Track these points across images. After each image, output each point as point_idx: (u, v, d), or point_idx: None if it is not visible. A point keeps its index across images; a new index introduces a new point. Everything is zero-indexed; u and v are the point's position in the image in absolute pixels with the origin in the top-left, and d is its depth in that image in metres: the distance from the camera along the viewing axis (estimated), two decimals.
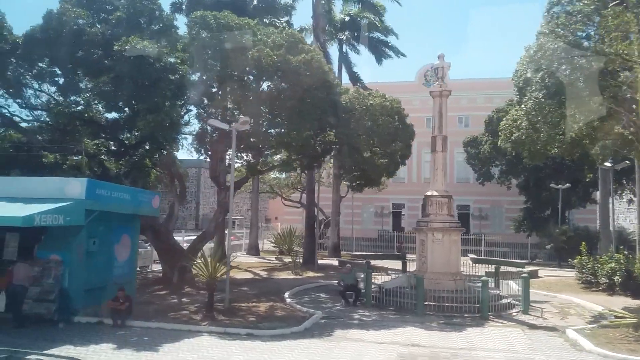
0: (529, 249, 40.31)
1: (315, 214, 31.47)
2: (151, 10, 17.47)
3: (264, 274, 25.88)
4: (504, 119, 20.33)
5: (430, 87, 19.49)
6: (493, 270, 22.32)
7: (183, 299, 17.55)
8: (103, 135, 19.24)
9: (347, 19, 36.20)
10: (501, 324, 15.15)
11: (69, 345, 11.38)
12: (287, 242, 32.88)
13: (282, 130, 17.98)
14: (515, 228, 42.54)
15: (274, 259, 32.75)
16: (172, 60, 17.42)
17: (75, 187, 13.66)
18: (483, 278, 17.22)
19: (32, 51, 16.55)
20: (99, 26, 17.13)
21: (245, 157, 21.54)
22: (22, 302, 12.92)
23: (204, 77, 17.85)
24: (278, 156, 22.50)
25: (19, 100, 18.11)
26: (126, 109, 17.67)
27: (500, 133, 20.07)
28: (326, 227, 39.67)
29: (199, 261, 15.50)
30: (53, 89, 18.11)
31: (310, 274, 26.25)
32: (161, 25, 17.91)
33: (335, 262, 31.24)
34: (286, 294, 19.08)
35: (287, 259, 30.15)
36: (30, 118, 19.87)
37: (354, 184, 23.03)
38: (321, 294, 19.91)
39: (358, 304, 17.33)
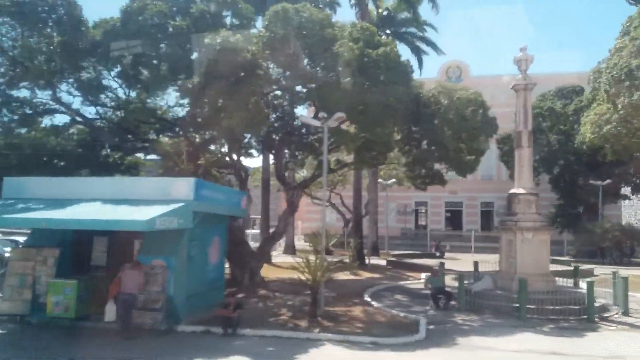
0: (564, 246, 39.87)
1: (362, 213, 30.82)
2: (233, 2, 16.63)
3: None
4: (592, 113, 19.77)
5: (515, 80, 18.77)
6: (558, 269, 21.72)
7: (268, 303, 16.83)
8: (180, 133, 18.37)
9: (384, 13, 35.49)
10: (614, 327, 14.56)
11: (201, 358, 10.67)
12: (319, 242, 31.97)
13: (365, 127, 17.21)
14: (548, 224, 42.08)
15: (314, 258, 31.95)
16: (253, 55, 16.61)
17: (183, 187, 12.88)
18: (587, 280, 16.64)
19: (111, 48, 15.67)
20: (178, 19, 16.28)
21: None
22: (132, 312, 12.15)
23: (287, 73, 17.06)
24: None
25: (90, 98, 17.17)
26: (205, 107, 16.82)
27: (585, 127, 19.47)
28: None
29: (299, 262, 14.79)
30: (135, 86, 17.17)
31: (367, 274, 25.59)
32: (241, 19, 17.06)
33: (382, 262, 30.60)
34: (366, 297, 18.45)
35: (330, 259, 29.38)
36: (93, 115, 19.01)
37: (418, 181, 22.38)
38: (397, 296, 19.28)
39: (449, 308, 16.69)
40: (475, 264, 23.41)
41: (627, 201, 45.69)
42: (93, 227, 11.75)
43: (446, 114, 17.35)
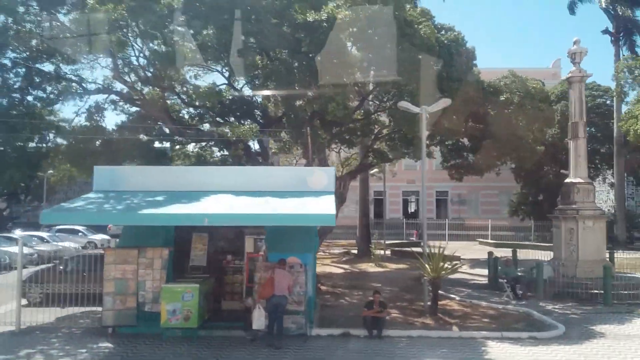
0: (532, 232, 42.00)
1: (368, 204, 30.30)
2: None
3: (346, 267, 24.37)
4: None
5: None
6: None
7: (348, 300, 15.91)
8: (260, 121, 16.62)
9: None
10: None
11: None
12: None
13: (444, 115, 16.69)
14: (511, 212, 44.28)
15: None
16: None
17: (322, 178, 11.62)
18: None
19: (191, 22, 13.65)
20: None
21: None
22: (283, 317, 10.75)
23: (370, 55, 16.03)
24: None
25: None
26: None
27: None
28: None
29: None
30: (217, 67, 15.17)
31: (391, 265, 25.18)
32: None
33: (385, 252, 30.28)
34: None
35: (337, 251, 28.87)
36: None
37: (453, 171, 22.27)
38: (457, 287, 19.03)
39: (528, 297, 16.70)
40: (490, 253, 23.89)
41: None
42: (269, 222, 10.23)
43: (522, 105, 17.28)
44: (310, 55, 14.37)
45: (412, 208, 56.23)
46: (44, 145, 15.46)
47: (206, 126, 17.46)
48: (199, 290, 11.19)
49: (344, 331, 11.76)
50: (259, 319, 10.51)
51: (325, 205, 10.08)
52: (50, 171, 18.38)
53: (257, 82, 15.36)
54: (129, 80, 15.15)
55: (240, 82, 18.04)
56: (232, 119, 18.20)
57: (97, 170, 12.16)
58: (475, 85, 16.92)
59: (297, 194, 11.15)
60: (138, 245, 11.68)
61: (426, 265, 13.53)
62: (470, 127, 17.95)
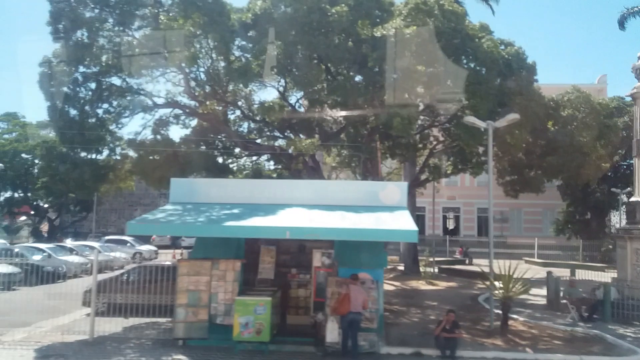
0: (580, 252, 40.73)
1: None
2: None
3: (397, 283, 24.04)
4: None
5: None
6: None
7: (408, 318, 15.64)
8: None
9: None
10: None
11: None
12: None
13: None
14: (557, 230, 43.12)
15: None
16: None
17: (394, 193, 11.51)
18: None
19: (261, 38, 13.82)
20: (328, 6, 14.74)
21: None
22: (357, 334, 10.61)
23: (432, 70, 15.92)
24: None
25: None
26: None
27: None
28: None
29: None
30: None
31: (441, 283, 24.73)
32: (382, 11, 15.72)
33: (435, 270, 29.77)
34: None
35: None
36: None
37: (509, 188, 21.84)
38: (518, 308, 18.47)
39: (593, 319, 16.10)
40: (549, 273, 23.12)
41: None
42: (352, 237, 10.19)
43: (586, 120, 16.90)
44: (376, 70, 14.37)
45: (451, 225, 55.38)
46: (112, 157, 15.85)
47: (263, 140, 17.62)
48: (270, 303, 11.18)
49: (415, 350, 11.52)
50: (332, 332, 10.41)
51: (404, 221, 9.96)
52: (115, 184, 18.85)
53: (319, 97, 15.42)
54: (195, 93, 15.42)
55: (297, 95, 18.15)
56: (288, 133, 18.32)
57: (174, 182, 12.35)
58: (537, 100, 16.58)
59: (371, 208, 11.07)
60: (211, 257, 11.77)
61: (496, 285, 13.20)
62: (531, 143, 17.58)
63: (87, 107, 14.81)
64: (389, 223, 10.06)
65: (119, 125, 15.61)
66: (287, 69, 14.58)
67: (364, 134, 16.17)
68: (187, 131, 17.04)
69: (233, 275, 11.63)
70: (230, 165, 18.65)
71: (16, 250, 22.63)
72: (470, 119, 14.56)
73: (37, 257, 22.73)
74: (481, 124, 14.55)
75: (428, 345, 11.60)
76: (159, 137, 15.90)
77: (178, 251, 40.20)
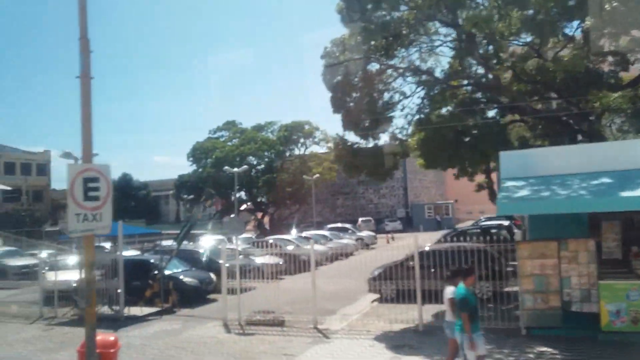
0: None
1: None
2: None
3: None
4: None
5: None
6: None
7: None
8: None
9: None
10: None
11: None
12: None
13: None
14: None
15: None
16: None
17: None
18: None
19: None
20: None
21: None
22: None
23: None
24: None
25: None
26: None
27: None
28: None
29: None
30: None
31: None
32: None
33: None
34: None
35: None
36: None
37: None
38: None
39: None
40: None
41: None
42: None
43: None
44: None
45: None
46: (398, 138, 15.16)
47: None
48: None
49: None
50: None
51: None
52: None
53: None
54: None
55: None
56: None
57: (504, 155, 11.19)
58: None
59: None
60: (551, 237, 10.36)
61: None
62: None
63: (374, 94, 14.27)
64: None
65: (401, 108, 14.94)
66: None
67: None
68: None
69: (587, 256, 10.07)
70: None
71: (271, 242, 23.83)
72: None
73: (290, 247, 23.69)
74: None
75: None
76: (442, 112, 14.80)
77: (389, 236, 40.09)
